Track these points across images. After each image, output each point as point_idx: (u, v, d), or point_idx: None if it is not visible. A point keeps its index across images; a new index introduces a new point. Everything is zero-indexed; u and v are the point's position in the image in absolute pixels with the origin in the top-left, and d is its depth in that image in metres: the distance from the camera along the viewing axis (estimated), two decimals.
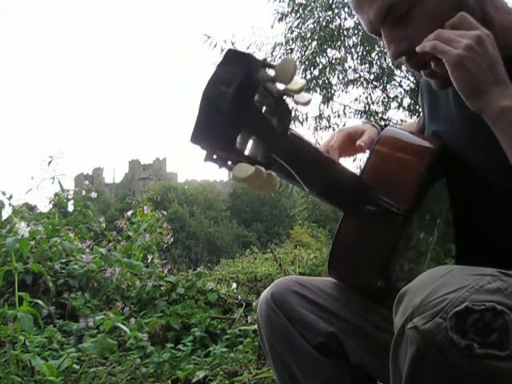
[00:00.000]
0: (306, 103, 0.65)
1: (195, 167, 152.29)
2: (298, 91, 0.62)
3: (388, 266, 0.88)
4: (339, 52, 8.27)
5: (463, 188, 0.97)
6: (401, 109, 8.73)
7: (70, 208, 4.37)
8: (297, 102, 0.65)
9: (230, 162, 0.60)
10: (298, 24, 8.25)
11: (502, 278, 0.67)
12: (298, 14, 8.17)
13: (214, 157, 0.59)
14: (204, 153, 0.59)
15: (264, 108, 0.61)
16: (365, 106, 8.61)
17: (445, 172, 0.98)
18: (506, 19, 0.90)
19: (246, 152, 0.62)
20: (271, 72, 0.61)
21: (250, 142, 0.62)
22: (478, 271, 0.68)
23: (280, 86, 0.63)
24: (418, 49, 0.81)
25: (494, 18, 0.89)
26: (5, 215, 3.40)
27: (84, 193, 3.89)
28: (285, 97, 0.63)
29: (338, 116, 8.61)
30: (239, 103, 0.56)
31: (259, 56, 0.60)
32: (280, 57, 8.34)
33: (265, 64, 0.60)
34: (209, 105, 0.56)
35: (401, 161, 0.94)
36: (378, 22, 0.88)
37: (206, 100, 0.57)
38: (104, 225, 4.02)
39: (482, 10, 0.88)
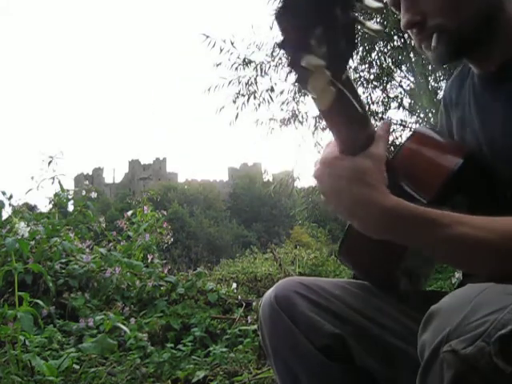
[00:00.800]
0: (378, 10, 0.65)
1: (195, 167, 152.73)
2: (376, 10, 0.64)
3: (403, 255, 0.88)
4: None
5: (484, 198, 0.96)
6: (401, 109, 8.74)
7: (70, 208, 4.37)
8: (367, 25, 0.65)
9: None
10: None
11: None
12: None
13: (289, 39, 0.60)
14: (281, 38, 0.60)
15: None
16: None
17: (470, 182, 0.96)
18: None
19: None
20: None
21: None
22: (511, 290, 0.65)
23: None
24: None
25: (510, 14, 0.90)
26: (5, 215, 3.40)
27: (84, 193, 3.88)
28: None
29: None
30: None
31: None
32: (280, 57, 8.34)
33: None
34: None
35: (432, 157, 0.94)
36: None
37: None
38: (104, 225, 4.02)
39: (500, 7, 0.89)
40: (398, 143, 7.28)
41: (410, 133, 0.99)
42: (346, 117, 0.73)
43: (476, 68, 0.99)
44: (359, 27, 0.64)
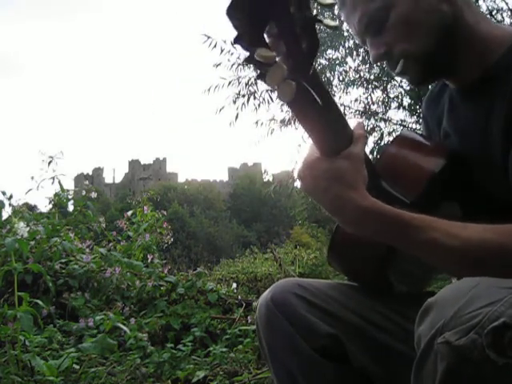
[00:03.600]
0: (330, 5, 0.66)
1: (195, 167, 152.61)
2: (328, 5, 0.65)
3: (392, 257, 0.89)
4: (339, 53, 8.27)
5: (472, 202, 0.98)
6: (401, 109, 8.74)
7: (70, 208, 4.37)
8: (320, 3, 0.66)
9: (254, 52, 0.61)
10: None
11: None
12: None
13: (242, 35, 0.61)
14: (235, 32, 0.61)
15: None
16: (365, 107, 8.60)
17: (452, 182, 0.97)
18: (487, 30, 0.94)
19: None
20: None
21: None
22: (506, 284, 0.66)
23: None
24: None
25: (472, 27, 0.93)
26: (5, 215, 3.40)
27: (84, 193, 3.88)
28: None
29: None
30: None
31: None
32: None
33: None
34: None
35: (414, 159, 0.96)
36: (362, 31, 0.95)
37: None
38: (104, 225, 4.01)
39: (455, 17, 0.92)
40: None
41: (394, 136, 1.03)
42: (314, 113, 0.73)
43: (452, 83, 1.02)
44: (318, 25, 0.66)
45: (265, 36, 0.61)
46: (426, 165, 0.94)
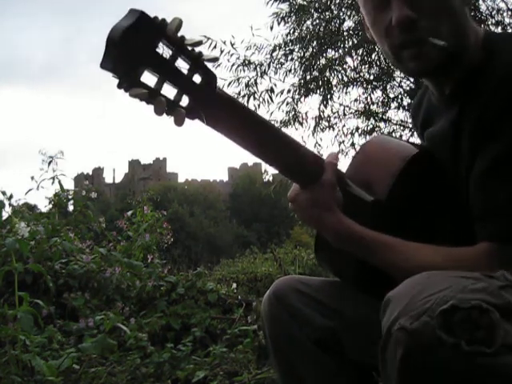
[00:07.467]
0: (214, 59, 0.76)
1: (195, 167, 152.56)
2: (194, 44, 0.74)
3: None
4: (338, 53, 8.27)
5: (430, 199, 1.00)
6: (401, 109, 8.74)
7: (70, 208, 4.37)
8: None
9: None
10: (298, 25, 8.24)
11: (485, 280, 0.69)
12: (298, 16, 8.16)
13: (121, 81, 0.70)
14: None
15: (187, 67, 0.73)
16: (365, 107, 8.60)
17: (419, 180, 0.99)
18: (473, 35, 0.95)
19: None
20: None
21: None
22: (461, 274, 0.70)
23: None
24: None
25: (470, 31, 0.94)
26: (5, 215, 3.40)
27: (84, 193, 3.88)
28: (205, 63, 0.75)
29: (338, 116, 8.62)
30: (133, 41, 0.68)
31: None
32: (279, 58, 8.34)
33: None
34: (109, 36, 0.70)
35: (382, 159, 1.00)
36: None
37: (109, 33, 0.70)
38: (104, 225, 4.02)
39: (469, 28, 0.93)
40: None
41: (364, 141, 1.08)
42: (237, 131, 0.83)
43: (434, 88, 1.01)
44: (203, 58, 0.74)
45: (142, 79, 0.70)
46: (392, 163, 0.97)
